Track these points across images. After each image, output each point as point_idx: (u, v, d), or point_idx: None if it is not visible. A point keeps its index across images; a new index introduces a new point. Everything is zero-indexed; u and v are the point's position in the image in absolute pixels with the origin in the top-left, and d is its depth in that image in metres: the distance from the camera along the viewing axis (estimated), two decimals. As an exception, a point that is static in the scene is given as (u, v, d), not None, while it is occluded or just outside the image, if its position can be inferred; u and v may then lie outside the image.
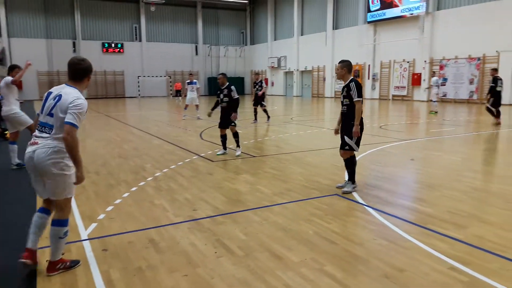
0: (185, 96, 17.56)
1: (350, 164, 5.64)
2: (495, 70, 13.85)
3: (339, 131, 5.73)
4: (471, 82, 23.21)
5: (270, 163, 7.67)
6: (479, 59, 22.69)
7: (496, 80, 13.13)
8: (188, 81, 16.94)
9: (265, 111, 14.73)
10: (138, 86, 38.37)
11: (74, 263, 3.44)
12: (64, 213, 3.34)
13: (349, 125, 5.48)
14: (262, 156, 8.43)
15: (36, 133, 3.30)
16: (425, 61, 25.56)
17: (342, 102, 5.65)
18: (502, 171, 7.12)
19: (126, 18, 38.27)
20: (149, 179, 6.52)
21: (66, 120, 3.16)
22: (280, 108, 23.53)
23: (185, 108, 16.79)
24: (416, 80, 26.32)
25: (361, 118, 5.48)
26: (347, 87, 5.53)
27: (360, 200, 5.23)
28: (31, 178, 3.34)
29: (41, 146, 3.20)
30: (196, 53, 41.71)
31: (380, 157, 8.12)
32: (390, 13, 27.53)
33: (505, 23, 21.02)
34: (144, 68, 38.87)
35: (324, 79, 34.36)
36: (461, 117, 14.12)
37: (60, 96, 3.27)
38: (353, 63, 30.98)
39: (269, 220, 4.55)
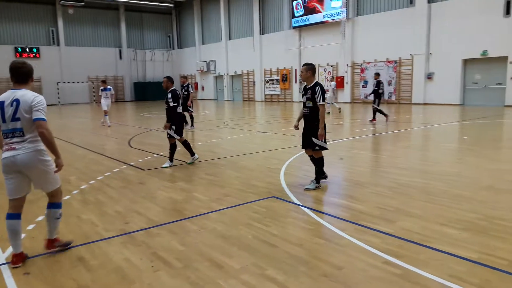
0: (99, 103, 16.81)
1: (320, 162, 5.93)
2: (378, 74, 15.73)
3: (303, 130, 6.06)
4: (389, 84, 24.96)
5: (206, 169, 7.53)
6: (395, 62, 24.50)
7: (379, 83, 15.01)
8: (102, 87, 16.26)
9: (191, 116, 14.34)
10: (58, 93, 35.85)
11: (68, 244, 3.90)
12: (57, 197, 3.82)
13: (314, 126, 5.76)
14: (196, 162, 8.25)
15: (7, 140, 3.52)
16: (347, 65, 27.00)
17: (304, 104, 5.87)
18: (421, 166, 7.68)
19: (41, 21, 35.58)
20: (75, 192, 6.06)
21: (36, 117, 3.45)
22: (212, 113, 23.40)
23: (105, 115, 15.95)
24: (339, 83, 27.69)
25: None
26: (311, 90, 5.74)
27: (296, 201, 5.31)
28: (8, 179, 3.55)
29: (21, 151, 3.48)
30: (121, 57, 40.02)
31: (312, 158, 8.35)
32: (313, 18, 28.69)
33: (417, 28, 22.92)
34: (64, 74, 36.42)
35: (254, 83, 34.85)
36: (382, 117, 15.09)
37: (17, 100, 3.47)
38: (280, 67, 32.24)
39: (207, 228, 4.43)
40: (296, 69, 30.92)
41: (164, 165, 7.73)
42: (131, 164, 8.12)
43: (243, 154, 8.97)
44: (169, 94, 7.51)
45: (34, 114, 3.44)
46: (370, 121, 15.09)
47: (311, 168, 7.17)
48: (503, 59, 19.91)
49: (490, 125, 13.54)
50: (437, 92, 22.74)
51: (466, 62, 21.62)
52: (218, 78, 39.19)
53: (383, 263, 3.47)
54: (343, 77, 27.43)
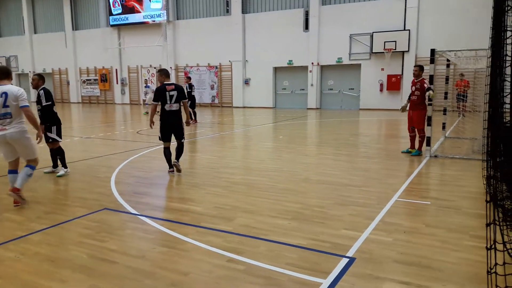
0: None
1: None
2: (189, 78, 16.86)
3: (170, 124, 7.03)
4: (212, 88, 26.13)
5: (16, 184, 6.38)
6: (216, 67, 25.77)
7: (191, 86, 16.05)
8: None
9: None
10: None
11: (24, 201, 5.18)
12: (35, 162, 5.32)
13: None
14: (3, 177, 6.93)
15: (0, 121, 4.95)
16: (171, 67, 27.05)
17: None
18: (249, 164, 8.29)
19: None
20: None
21: (22, 105, 4.96)
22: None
23: None
24: (164, 85, 27.50)
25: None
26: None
27: (133, 211, 5.02)
28: (2, 148, 5.08)
29: (11, 130, 4.97)
30: None
31: (143, 163, 8.04)
32: (132, 18, 27.74)
33: (234, 36, 24.61)
34: None
35: (68, 83, 31.51)
36: (208, 120, 15.67)
37: (5, 93, 4.91)
38: (99, 66, 30.12)
39: (28, 253, 3.77)
40: (116, 69, 29.31)
41: (59, 173, 6.92)
42: None
43: (64, 163, 7.96)
44: (41, 92, 6.83)
45: (21, 102, 4.94)
46: (195, 123, 15.63)
47: (143, 174, 6.93)
48: (305, 68, 23.25)
49: (298, 125, 15.61)
50: (253, 96, 24.95)
51: (276, 69, 24.37)
52: (22, 76, 33.94)
53: (227, 261, 3.58)
54: (167, 79, 27.36)
